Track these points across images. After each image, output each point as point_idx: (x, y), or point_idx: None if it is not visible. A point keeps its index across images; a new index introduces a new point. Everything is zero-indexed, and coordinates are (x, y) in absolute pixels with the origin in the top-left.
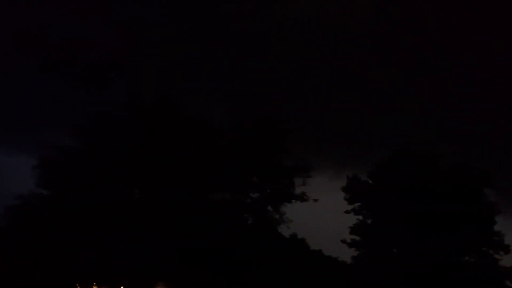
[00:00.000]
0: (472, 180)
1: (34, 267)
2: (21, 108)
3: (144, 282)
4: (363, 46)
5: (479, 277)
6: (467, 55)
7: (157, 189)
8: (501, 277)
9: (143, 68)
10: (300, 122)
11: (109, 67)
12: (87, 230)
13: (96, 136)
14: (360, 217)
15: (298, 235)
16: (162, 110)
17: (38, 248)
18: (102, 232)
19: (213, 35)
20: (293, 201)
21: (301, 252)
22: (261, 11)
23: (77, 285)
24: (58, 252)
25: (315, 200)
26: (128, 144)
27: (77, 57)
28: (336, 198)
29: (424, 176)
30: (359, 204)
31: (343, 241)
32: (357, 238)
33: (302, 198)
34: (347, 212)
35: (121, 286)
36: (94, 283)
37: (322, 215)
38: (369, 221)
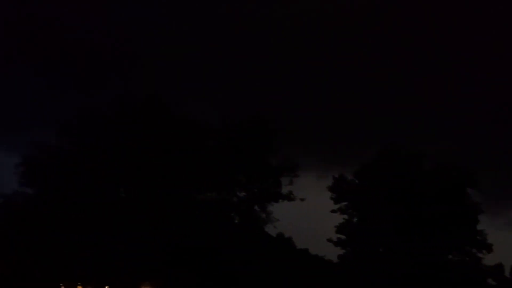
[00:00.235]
0: (455, 180)
1: (17, 266)
2: (6, 107)
3: (129, 281)
4: (356, 47)
5: (462, 276)
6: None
7: (143, 188)
8: (484, 275)
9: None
10: (288, 122)
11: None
12: (71, 229)
13: (82, 135)
14: (346, 216)
15: (285, 234)
16: (150, 109)
17: (20, 247)
18: (87, 232)
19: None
20: (280, 200)
21: (288, 251)
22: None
23: (61, 284)
24: (41, 251)
25: (302, 200)
26: (114, 143)
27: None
28: (323, 197)
29: (409, 176)
30: (345, 203)
31: (329, 240)
32: (343, 237)
33: (289, 197)
34: (333, 211)
35: (106, 286)
36: (79, 283)
37: (309, 214)
38: (355, 220)
